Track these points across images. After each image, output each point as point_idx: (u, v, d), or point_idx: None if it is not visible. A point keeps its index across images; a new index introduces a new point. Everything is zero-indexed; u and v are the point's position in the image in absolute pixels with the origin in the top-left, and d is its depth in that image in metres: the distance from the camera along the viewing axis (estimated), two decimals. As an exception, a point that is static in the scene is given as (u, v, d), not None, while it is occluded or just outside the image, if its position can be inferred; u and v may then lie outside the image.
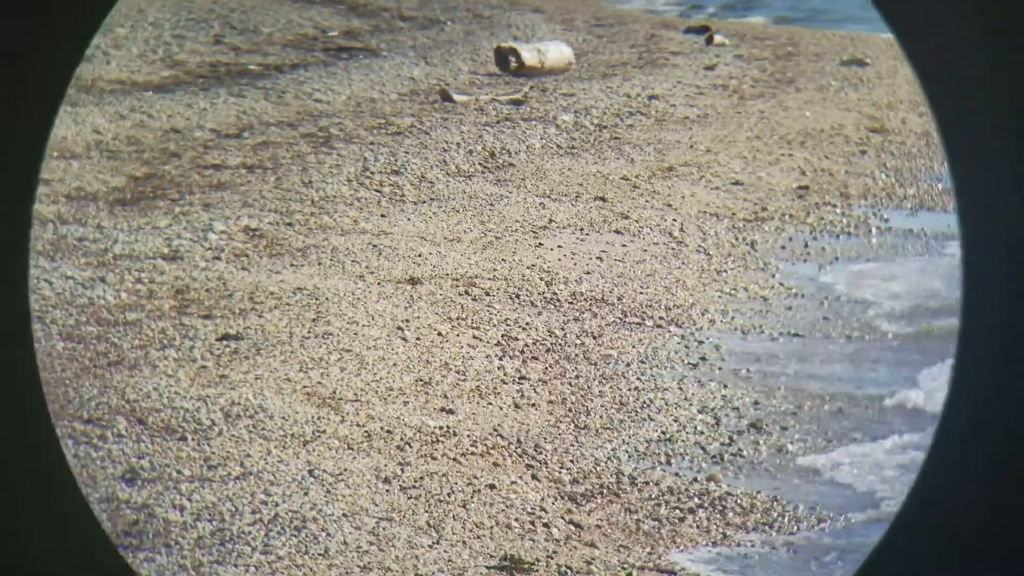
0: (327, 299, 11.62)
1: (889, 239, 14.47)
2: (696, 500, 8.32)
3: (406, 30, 26.60)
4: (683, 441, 9.21)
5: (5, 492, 4.09)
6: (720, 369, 10.71)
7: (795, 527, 8.05)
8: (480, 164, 17.07)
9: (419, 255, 13.13)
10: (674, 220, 14.70)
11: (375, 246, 13.36)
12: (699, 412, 9.76)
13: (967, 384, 3.87)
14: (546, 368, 10.50)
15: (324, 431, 8.93)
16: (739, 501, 8.33)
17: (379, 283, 12.23)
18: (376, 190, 15.58)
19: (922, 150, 18.11)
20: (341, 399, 9.49)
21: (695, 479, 8.65)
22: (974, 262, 3.90)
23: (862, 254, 13.91)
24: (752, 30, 28.06)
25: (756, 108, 20.26)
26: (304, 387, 9.63)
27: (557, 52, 24.40)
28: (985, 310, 3.82)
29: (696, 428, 9.44)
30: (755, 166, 16.94)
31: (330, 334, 10.76)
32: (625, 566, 7.44)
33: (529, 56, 24.20)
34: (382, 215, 14.51)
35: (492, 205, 15.15)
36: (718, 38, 26.78)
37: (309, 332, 10.74)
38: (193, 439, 8.65)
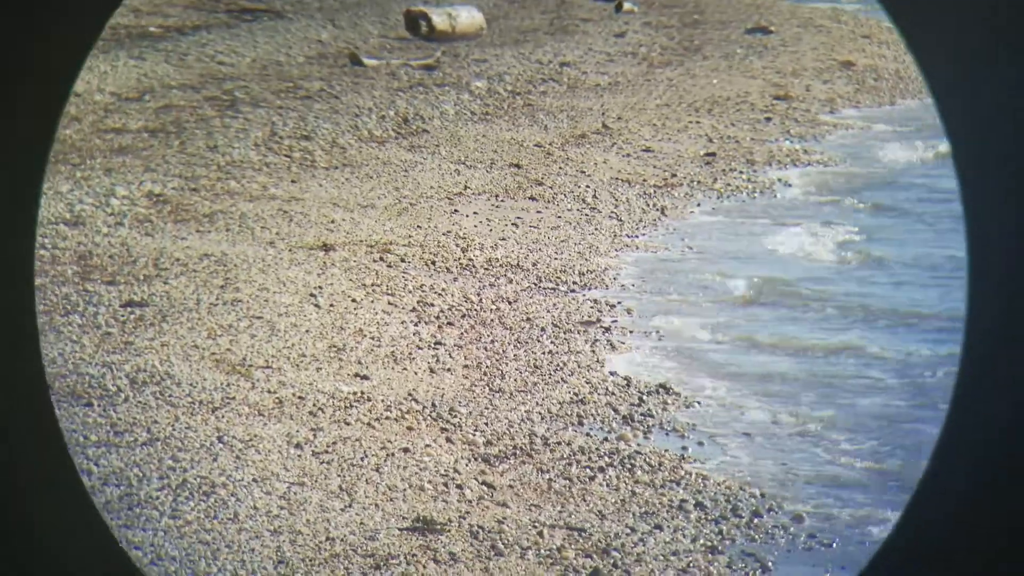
0: (236, 265, 11.76)
1: (793, 203, 15.05)
2: (606, 459, 8.60)
3: (314, -9, 26.66)
4: (595, 402, 9.50)
5: (7, 491, 4.20)
6: (631, 332, 11.04)
7: (701, 484, 8.36)
8: (393, 130, 17.23)
9: (332, 221, 13.29)
10: (587, 187, 15.11)
11: (285, 212, 13.50)
12: (610, 374, 10.06)
13: (970, 385, 4.01)
14: (461, 333, 10.72)
15: (234, 397, 9.08)
16: (648, 460, 8.63)
17: (290, 249, 12.39)
18: (285, 155, 15.71)
19: (825, 117, 18.69)
20: (251, 366, 9.65)
21: (606, 439, 8.94)
22: (978, 262, 4.00)
23: (768, 216, 14.48)
24: None
25: (665, 76, 20.85)
26: (212, 354, 9.78)
27: (468, 17, 24.59)
28: (989, 311, 3.98)
29: (607, 389, 9.74)
30: (664, 133, 17.51)
31: (239, 301, 10.91)
32: (536, 525, 7.70)
33: (440, 20, 24.35)
34: (292, 181, 14.65)
35: (406, 171, 15.34)
36: (627, 5, 27.32)
37: (217, 299, 10.89)
38: (99, 405, 8.78)
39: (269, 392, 9.26)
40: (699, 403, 9.68)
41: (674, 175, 15.85)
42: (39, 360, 4.40)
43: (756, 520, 7.93)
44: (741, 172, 16.08)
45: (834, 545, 7.72)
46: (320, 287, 11.42)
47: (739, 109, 19.11)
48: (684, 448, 8.89)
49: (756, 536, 7.78)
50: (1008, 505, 3.92)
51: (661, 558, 7.44)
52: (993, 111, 3.89)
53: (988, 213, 3.97)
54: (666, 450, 8.84)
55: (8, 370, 4.20)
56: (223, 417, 8.79)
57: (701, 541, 7.67)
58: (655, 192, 15.18)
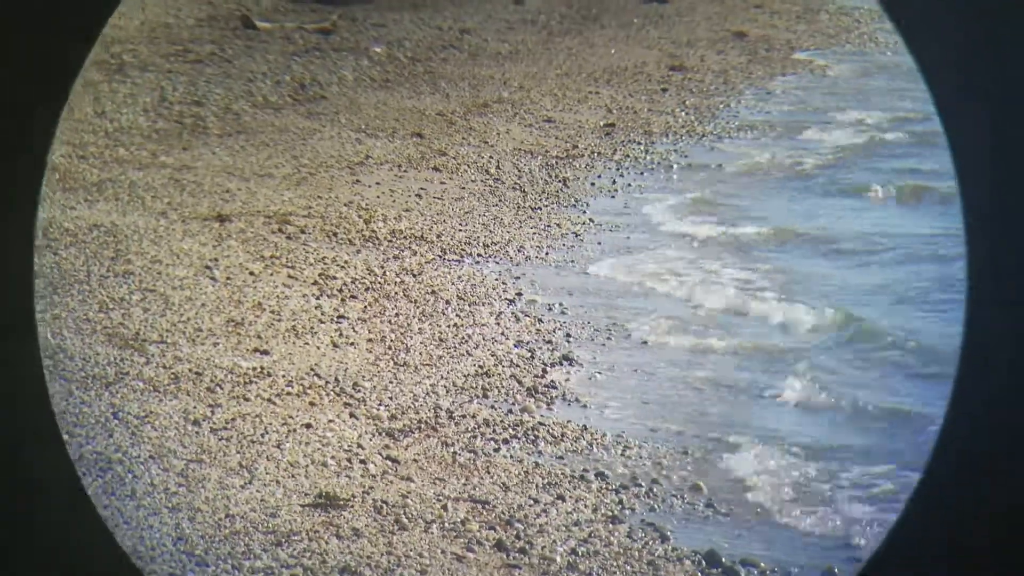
0: (126, 236, 11.79)
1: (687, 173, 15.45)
2: (510, 431, 8.81)
3: (204, -48, 26.55)
4: (499, 375, 9.69)
5: (8, 491, 4.25)
6: (535, 303, 11.25)
7: (602, 455, 8.60)
8: (290, 96, 17.28)
9: (227, 191, 13.34)
10: (490, 157, 15.35)
11: (177, 181, 13.52)
12: (515, 346, 10.27)
13: (970, 385, 4.09)
14: (365, 307, 10.85)
15: (127, 373, 9.14)
16: (551, 431, 8.85)
17: (183, 220, 12.43)
18: (176, 121, 15.71)
19: (719, 88, 19.19)
20: (145, 340, 9.70)
21: (510, 411, 9.15)
22: (978, 263, 4.07)
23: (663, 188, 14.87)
24: None
25: (564, 44, 21.25)
26: (104, 328, 9.82)
27: (367, -21, 24.64)
28: (989, 309, 4.05)
29: (512, 361, 9.94)
30: (565, 103, 17.92)
31: (131, 273, 10.95)
32: (440, 498, 7.87)
33: (338, -18, 24.38)
34: (184, 148, 14.66)
35: (305, 139, 15.41)
36: (525, -29, 27.72)
37: (108, 271, 10.92)
38: (-12, 381, 8.82)
39: (164, 367, 9.32)
40: (600, 374, 9.91)
41: (575, 146, 16.19)
42: (39, 360, 4.46)
43: (655, 489, 8.16)
44: (639, 143, 16.49)
45: (731, 514, 7.96)
46: (216, 259, 11.48)
47: (636, 80, 19.61)
48: (586, 419, 9.12)
49: (656, 505, 8.01)
50: (1008, 505, 4.05)
51: (563, 528, 7.64)
52: (994, 111, 3.99)
53: (987, 212, 4.08)
54: (569, 421, 9.06)
55: (9, 370, 4.26)
56: (117, 392, 8.85)
57: (602, 511, 7.88)
58: (557, 163, 15.48)
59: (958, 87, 4.08)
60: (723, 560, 7.36)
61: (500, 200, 14.03)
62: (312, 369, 9.55)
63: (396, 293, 11.21)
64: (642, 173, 15.42)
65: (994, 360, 4.10)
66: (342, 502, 7.73)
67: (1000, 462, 4.08)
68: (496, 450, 8.54)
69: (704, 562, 7.35)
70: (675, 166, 15.78)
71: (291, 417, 8.78)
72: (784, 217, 14.17)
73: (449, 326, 10.58)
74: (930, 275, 12.34)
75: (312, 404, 9.03)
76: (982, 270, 4.13)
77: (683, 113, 18.02)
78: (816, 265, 12.80)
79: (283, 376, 9.37)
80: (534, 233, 13.14)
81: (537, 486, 8.11)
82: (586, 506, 7.92)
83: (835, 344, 10.67)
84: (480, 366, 9.83)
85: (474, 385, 9.51)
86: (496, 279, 11.74)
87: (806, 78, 20.49)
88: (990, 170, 4.06)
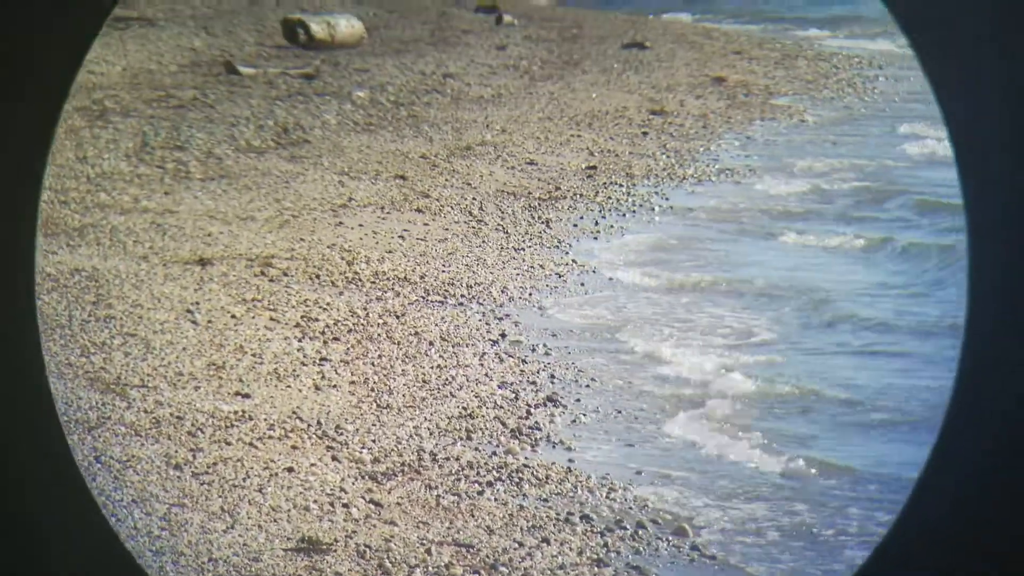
0: (108, 281, 11.79)
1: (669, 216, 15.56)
2: (495, 473, 8.79)
3: (185, -1, 26.65)
4: (483, 416, 9.69)
5: (8, 492, 4.24)
6: (519, 344, 11.25)
7: (587, 497, 8.58)
8: (273, 140, 17.32)
9: (209, 235, 13.35)
10: (473, 199, 15.42)
11: (159, 225, 13.53)
12: (499, 387, 10.26)
13: (969, 385, 4.08)
14: (348, 348, 10.84)
15: (109, 417, 9.12)
16: (535, 472, 8.83)
17: (164, 264, 12.42)
18: (158, 166, 15.73)
19: (699, 132, 19.38)
20: (127, 384, 9.69)
21: (494, 453, 9.13)
22: (979, 264, 4.07)
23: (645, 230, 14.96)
24: (539, 11, 29.58)
25: (546, 89, 21.49)
26: (86, 372, 9.81)
27: (348, 26, 24.72)
28: (989, 310, 4.04)
29: (496, 403, 9.94)
30: (547, 146, 18.07)
31: (112, 317, 10.94)
32: (424, 542, 7.84)
33: (319, 29, 24.44)
34: (166, 193, 14.67)
35: (287, 183, 15.43)
36: (507, 18, 27.92)
37: (90, 315, 10.91)
38: (-32, 426, 8.79)
39: (146, 412, 9.31)
40: (585, 415, 9.90)
41: (558, 188, 16.30)
42: (41, 360, 4.47)
43: (640, 532, 8.15)
44: (621, 185, 16.61)
45: (717, 557, 7.95)
46: (197, 303, 11.47)
47: (617, 123, 19.81)
48: (571, 460, 9.10)
49: (641, 548, 7.99)
50: (1007, 505, 4.03)
51: (548, 572, 7.62)
52: (996, 111, 4.00)
53: (989, 213, 4.08)
54: (553, 463, 9.04)
55: (9, 371, 4.27)
56: (100, 437, 8.83)
57: (587, 554, 7.86)
58: (540, 204, 15.57)
59: (959, 84, 4.09)
60: (708, 602, 7.35)
61: (483, 241, 14.06)
62: (294, 412, 9.53)
63: (379, 335, 11.21)
64: (624, 215, 15.50)
65: (993, 361, 4.09)
66: (325, 547, 7.71)
67: (1000, 463, 4.07)
68: (480, 493, 8.52)
69: (689, 604, 7.34)
70: (656, 208, 15.86)
71: (273, 461, 8.76)
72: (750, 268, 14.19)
73: (432, 367, 10.57)
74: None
75: (294, 448, 9.01)
76: (983, 270, 4.13)
77: (664, 156, 18.19)
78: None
79: (265, 420, 9.35)
80: (517, 274, 13.17)
81: (522, 529, 8.09)
82: (571, 549, 7.90)
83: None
84: (464, 408, 9.82)
85: (458, 427, 9.50)
86: (480, 320, 11.75)
87: (784, 123, 20.65)
88: (990, 170, 4.07)
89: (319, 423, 9.38)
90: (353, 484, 8.54)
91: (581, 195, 16.09)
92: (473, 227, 14.51)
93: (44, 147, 4.28)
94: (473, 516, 8.20)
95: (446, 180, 16.21)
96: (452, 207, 15.14)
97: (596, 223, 15.14)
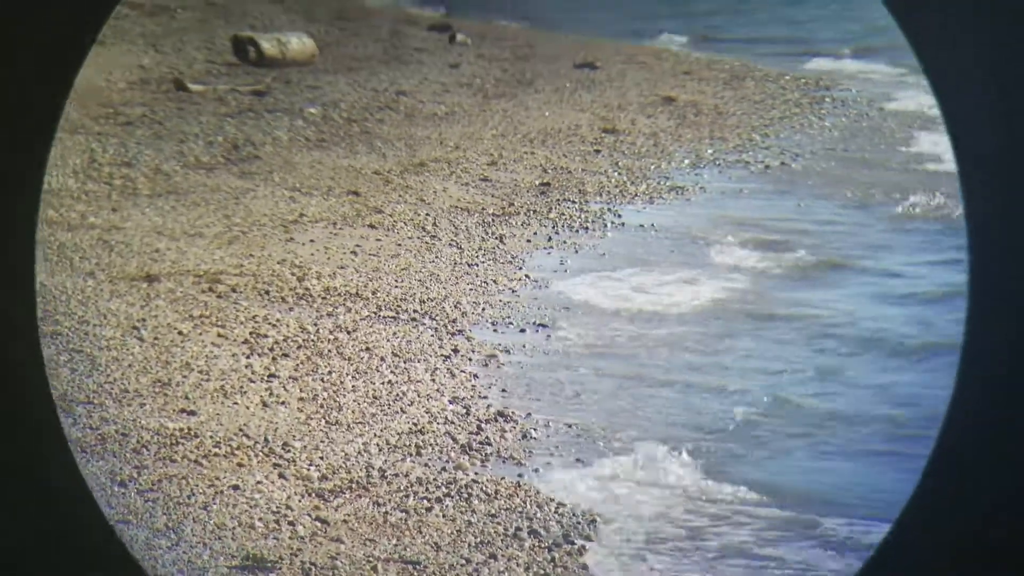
0: (54, 297, 11.69)
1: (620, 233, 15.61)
2: (444, 489, 8.73)
3: (132, 17, 26.54)
4: (433, 432, 9.63)
5: (9, 492, 4.20)
6: (471, 360, 11.21)
7: (536, 512, 8.53)
8: (222, 156, 17.22)
9: (156, 251, 13.25)
10: (427, 215, 15.38)
11: (106, 241, 13.43)
12: (450, 403, 10.21)
13: (970, 386, 4.11)
14: (297, 365, 10.77)
15: (52, 435, 9.05)
16: (484, 488, 8.78)
17: (111, 281, 12.33)
18: (105, 183, 15.62)
19: (650, 150, 19.52)
20: (72, 401, 9.61)
21: (444, 469, 9.08)
22: (980, 267, 4.09)
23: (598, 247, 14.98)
24: (492, 30, 29.77)
25: (499, 107, 21.59)
26: (29, 389, 9.72)
27: (299, 43, 24.64)
28: (989, 308, 4.07)
29: (447, 418, 9.88)
30: (501, 163, 18.10)
31: (59, 334, 10.85)
32: (370, 559, 7.78)
33: (269, 46, 24.35)
34: (113, 209, 14.57)
35: (237, 199, 15.34)
36: (460, 36, 27.98)
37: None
38: (-94, 445, 8.69)
39: (91, 428, 9.24)
40: (535, 430, 9.87)
41: (511, 204, 16.32)
42: (40, 361, 4.43)
43: (588, 546, 8.11)
44: (574, 202, 16.66)
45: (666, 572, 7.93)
46: (143, 319, 11.39)
47: (570, 141, 19.92)
48: (520, 476, 9.06)
49: (589, 563, 7.96)
50: (1007, 505, 4.04)
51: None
52: (995, 110, 3.99)
53: (989, 213, 4.09)
54: (503, 478, 9.00)
55: (9, 371, 4.24)
56: (41, 455, 8.74)
57: (535, 569, 7.82)
58: (493, 220, 15.56)
59: (959, 80, 4.07)
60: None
61: (436, 257, 14.02)
62: (241, 429, 9.46)
63: (329, 351, 11.14)
64: (577, 231, 15.51)
65: (994, 360, 4.09)
66: (269, 564, 7.65)
67: (999, 463, 4.07)
68: (429, 509, 8.47)
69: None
70: (609, 224, 15.89)
71: (218, 479, 8.69)
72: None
73: (383, 383, 10.51)
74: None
75: (240, 465, 8.94)
76: (983, 270, 4.12)
77: (616, 174, 18.26)
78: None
79: (211, 437, 9.28)
80: (471, 289, 13.13)
81: (469, 545, 8.04)
82: (518, 565, 7.86)
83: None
84: (414, 423, 9.76)
85: (407, 443, 9.44)
86: (432, 335, 11.70)
87: (732, 143, 20.72)
88: (991, 171, 4.06)
89: (266, 440, 9.31)
90: (300, 501, 8.48)
91: (535, 211, 16.11)
92: (426, 243, 14.46)
93: (44, 147, 4.25)
94: (421, 533, 8.15)
95: (399, 196, 16.16)
96: (405, 223, 15.09)
97: (549, 239, 15.15)
